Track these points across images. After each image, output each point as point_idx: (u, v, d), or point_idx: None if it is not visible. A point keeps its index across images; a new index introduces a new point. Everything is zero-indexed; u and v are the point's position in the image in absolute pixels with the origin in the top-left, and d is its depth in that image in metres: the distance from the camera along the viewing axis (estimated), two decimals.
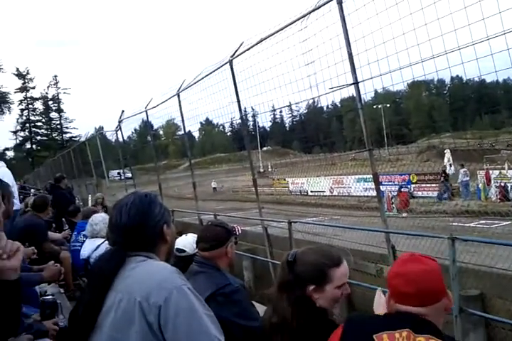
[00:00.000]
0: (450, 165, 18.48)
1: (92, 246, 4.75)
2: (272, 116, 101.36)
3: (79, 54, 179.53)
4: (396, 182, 21.82)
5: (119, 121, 13.83)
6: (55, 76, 79.82)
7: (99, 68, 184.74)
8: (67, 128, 78.91)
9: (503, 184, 16.78)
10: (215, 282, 2.34)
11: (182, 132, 11.78)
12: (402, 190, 17.07)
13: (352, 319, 1.64)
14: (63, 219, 8.23)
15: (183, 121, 10.40)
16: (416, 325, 1.39)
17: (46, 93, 77.42)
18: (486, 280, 6.05)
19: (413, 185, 21.25)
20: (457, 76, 66.63)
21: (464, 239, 4.00)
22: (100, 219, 4.98)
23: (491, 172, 17.55)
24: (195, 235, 3.57)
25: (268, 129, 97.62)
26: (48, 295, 2.98)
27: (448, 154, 18.30)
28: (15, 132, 74.61)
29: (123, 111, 13.47)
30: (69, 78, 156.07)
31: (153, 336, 1.49)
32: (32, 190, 19.87)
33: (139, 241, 1.68)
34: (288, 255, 1.96)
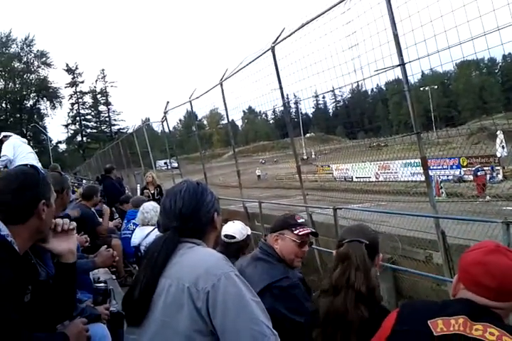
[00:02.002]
0: (503, 147, 17.62)
1: (143, 234, 4.92)
2: (315, 102, 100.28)
3: (125, 48, 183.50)
4: (445, 166, 21.11)
5: (165, 112, 14.05)
6: (103, 70, 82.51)
7: (144, 61, 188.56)
8: (115, 120, 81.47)
9: None
10: (273, 273, 2.34)
11: (225, 121, 11.84)
12: (479, 173, 16.26)
13: (407, 304, 1.65)
14: (113, 208, 8.55)
15: (226, 110, 10.42)
16: (474, 312, 1.36)
17: (94, 87, 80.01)
18: None
19: (463, 169, 20.49)
20: (510, 54, 63.16)
21: None
22: (151, 208, 5.12)
23: None
24: (242, 222, 3.64)
25: (311, 116, 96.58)
26: (100, 282, 3.11)
27: (500, 136, 17.45)
28: (66, 126, 77.71)
29: (168, 102, 13.68)
30: (116, 71, 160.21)
31: (202, 321, 1.52)
32: (84, 181, 20.67)
33: (192, 227, 1.73)
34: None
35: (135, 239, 5.22)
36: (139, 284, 1.64)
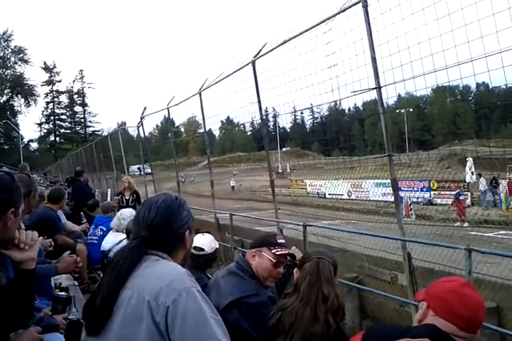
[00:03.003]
0: (472, 173, 18.13)
1: (115, 240, 4.83)
2: (293, 117, 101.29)
3: (105, 50, 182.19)
4: (416, 189, 21.57)
5: (141, 118, 13.97)
6: (81, 70, 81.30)
7: (123, 65, 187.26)
8: (90, 122, 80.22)
9: None
10: (244, 289, 2.34)
11: (202, 130, 11.84)
12: (461, 198, 16.55)
13: (373, 327, 1.73)
14: (82, 212, 8.37)
15: (203, 119, 10.46)
16: (438, 337, 1.42)
17: (71, 87, 78.80)
18: (503, 292, 5.94)
19: (433, 192, 20.97)
20: (483, 83, 65.45)
21: (481, 252, 3.92)
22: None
23: None
24: (211, 235, 3.62)
25: (288, 130, 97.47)
26: (62, 290, 3.03)
27: (470, 162, 17.96)
28: (39, 124, 76.09)
29: (145, 107, 13.63)
30: (94, 73, 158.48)
31: (160, 336, 1.49)
32: (48, 182, 20.20)
33: (161, 240, 1.70)
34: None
35: (106, 244, 5.13)
36: (101, 292, 1.60)
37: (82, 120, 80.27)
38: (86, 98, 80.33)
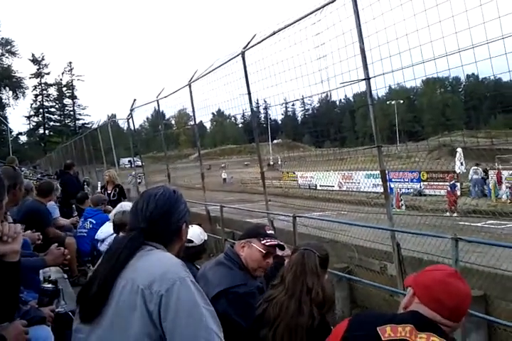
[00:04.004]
0: (461, 163, 18.27)
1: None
2: (284, 109, 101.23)
3: (94, 42, 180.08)
4: (406, 180, 21.72)
5: (131, 110, 13.88)
6: (70, 62, 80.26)
7: (113, 57, 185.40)
8: (80, 114, 79.57)
9: None
10: (232, 279, 2.36)
11: (193, 122, 11.79)
12: (456, 189, 16.74)
13: (360, 313, 1.77)
14: (72, 205, 8.32)
15: (193, 111, 10.40)
16: (422, 324, 1.44)
17: (60, 79, 77.96)
18: (490, 281, 6.03)
19: (423, 183, 21.13)
20: (473, 74, 65.64)
21: (468, 240, 3.98)
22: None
23: (502, 172, 17.36)
24: (200, 227, 3.63)
25: (280, 122, 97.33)
26: (50, 282, 3.01)
27: (459, 153, 18.10)
28: (28, 117, 75.31)
29: (135, 99, 13.52)
30: (83, 65, 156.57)
31: (153, 325, 1.50)
32: (38, 175, 20.05)
33: (159, 232, 1.72)
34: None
35: (101, 233, 5.13)
36: (97, 280, 1.61)
37: (72, 113, 79.54)
38: (75, 90, 79.61)
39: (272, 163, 36.22)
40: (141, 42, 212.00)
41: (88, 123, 66.92)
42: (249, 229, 2.66)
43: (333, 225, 8.52)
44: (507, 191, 16.73)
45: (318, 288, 2.09)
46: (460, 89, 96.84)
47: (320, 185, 24.85)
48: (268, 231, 2.57)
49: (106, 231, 5.02)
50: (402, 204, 16.71)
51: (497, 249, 5.86)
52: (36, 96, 75.61)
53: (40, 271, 3.41)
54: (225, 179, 40.43)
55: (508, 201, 16.19)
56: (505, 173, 17.24)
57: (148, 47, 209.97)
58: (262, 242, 2.48)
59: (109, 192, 8.55)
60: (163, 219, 1.73)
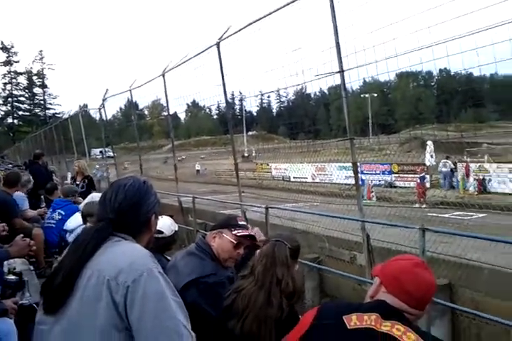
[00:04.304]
0: (431, 156, 18.69)
1: (80, 221, 4.72)
2: (260, 101, 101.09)
3: (66, 30, 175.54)
4: (378, 172, 22.09)
5: (103, 100, 13.64)
6: (41, 51, 77.85)
7: (85, 45, 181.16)
8: (50, 104, 77.39)
9: (481, 177, 17.07)
10: (202, 269, 2.35)
11: (167, 113, 11.66)
12: (425, 181, 17.09)
13: (327, 303, 1.79)
14: (41, 196, 8.15)
15: (167, 102, 10.33)
16: (388, 312, 1.47)
17: (31, 68, 75.57)
18: (455, 270, 6.21)
19: (394, 175, 21.52)
20: (445, 69, 66.91)
21: (434, 231, 4.09)
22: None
23: (470, 165, 17.82)
24: (171, 218, 3.61)
25: (255, 114, 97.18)
26: (15, 274, 2.95)
27: (430, 146, 18.51)
28: None
29: (107, 89, 13.28)
30: (54, 54, 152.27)
31: (119, 316, 1.49)
32: (8, 166, 19.52)
33: (128, 223, 1.70)
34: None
35: (70, 224, 5.03)
36: (63, 270, 1.58)
37: (42, 102, 77.38)
38: (46, 79, 77.30)
39: (246, 154, 36.21)
40: (114, 31, 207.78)
41: (59, 113, 65.08)
42: (221, 220, 2.67)
43: (306, 216, 8.62)
44: (474, 183, 17.20)
45: (288, 279, 2.10)
46: (433, 84, 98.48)
47: (293, 177, 25.05)
48: (240, 222, 2.59)
49: (75, 221, 4.92)
50: (373, 196, 17.01)
51: (463, 239, 6.04)
52: (5, 84, 73.15)
53: (5, 263, 3.33)
54: (198, 170, 40.22)
55: (475, 193, 16.65)
56: (473, 166, 17.69)
57: (122, 36, 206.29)
58: (233, 233, 2.49)
59: (78, 183, 8.37)
60: (132, 210, 1.71)
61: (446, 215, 11.47)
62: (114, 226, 1.67)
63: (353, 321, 1.46)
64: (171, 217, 3.64)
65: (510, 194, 13.10)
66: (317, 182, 22.06)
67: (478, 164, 17.79)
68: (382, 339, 1.39)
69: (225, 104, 8.64)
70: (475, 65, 4.73)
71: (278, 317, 2.02)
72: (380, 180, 21.33)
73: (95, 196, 4.93)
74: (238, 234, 2.50)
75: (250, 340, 2.00)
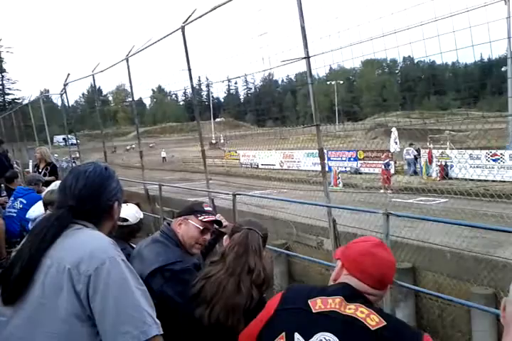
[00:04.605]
0: (396, 143, 19.08)
1: (43, 210, 4.59)
2: (227, 87, 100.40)
3: (24, 12, 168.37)
4: (344, 158, 22.43)
5: (65, 85, 13.19)
6: None
7: (46, 28, 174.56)
8: (9, 89, 74.39)
9: (444, 163, 17.56)
10: (168, 256, 2.32)
11: (131, 99, 11.41)
12: (389, 167, 17.40)
13: (292, 286, 1.80)
14: (2, 185, 7.87)
15: (131, 87, 10.09)
16: (351, 295, 1.49)
17: None
18: (418, 254, 6.41)
19: (359, 162, 21.90)
20: (409, 56, 67.95)
21: (397, 215, 4.19)
22: None
23: (433, 151, 18.28)
24: (136, 206, 3.54)
25: (222, 100, 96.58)
26: None
27: (395, 132, 18.87)
28: None
29: (69, 74, 12.82)
30: (13, 37, 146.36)
31: (80, 305, 1.46)
32: None
33: (88, 210, 1.65)
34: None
35: (33, 212, 4.87)
36: (21, 259, 1.53)
37: (0, 87, 74.53)
38: (4, 63, 74.25)
39: (214, 141, 36.05)
40: (76, 13, 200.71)
41: (19, 99, 62.73)
42: (187, 206, 2.64)
43: (273, 203, 8.69)
44: (437, 169, 17.67)
45: (259, 268, 2.10)
46: (397, 71, 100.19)
47: (262, 164, 25.20)
48: (206, 208, 2.57)
49: (38, 210, 4.78)
50: (339, 182, 17.28)
51: (425, 224, 6.23)
52: None
53: None
54: (164, 158, 39.75)
55: (438, 179, 17.12)
56: (435, 152, 18.16)
57: (84, 18, 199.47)
58: (199, 218, 2.48)
59: (40, 170, 8.10)
60: (93, 197, 1.66)
61: (410, 200, 11.77)
62: (74, 213, 1.62)
63: (318, 305, 1.48)
64: (137, 205, 3.58)
65: (471, 179, 13.54)
66: (285, 169, 22.26)
67: (441, 150, 18.26)
68: (346, 321, 1.41)
69: (191, 90, 8.51)
70: (437, 52, 4.80)
71: (247, 306, 2.02)
72: (346, 167, 21.67)
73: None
74: (204, 220, 2.48)
75: (218, 328, 1.99)
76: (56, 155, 16.05)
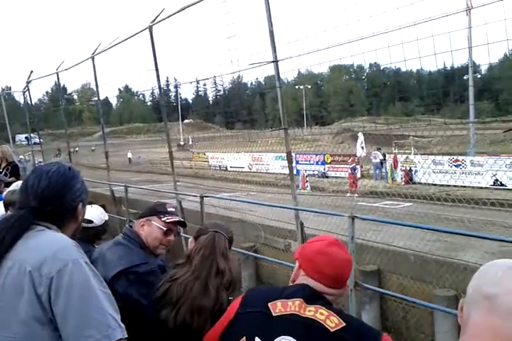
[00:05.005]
0: (362, 147, 19.44)
1: (3, 211, 4.43)
2: (196, 88, 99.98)
3: None
4: (312, 162, 22.68)
5: (27, 82, 12.84)
6: None
7: (6, 23, 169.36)
8: None
9: (408, 168, 17.99)
10: (131, 259, 2.28)
11: (97, 98, 11.20)
12: (356, 171, 17.64)
13: (253, 289, 1.78)
14: None
15: (97, 86, 9.92)
16: (309, 296, 1.48)
17: None
18: (383, 256, 6.53)
19: (327, 166, 22.20)
20: (375, 63, 69.49)
21: (363, 218, 4.26)
22: None
23: (398, 156, 18.71)
24: (101, 207, 3.48)
25: (191, 101, 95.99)
26: None
27: (361, 137, 19.23)
28: None
29: (32, 71, 12.49)
30: None
31: (42, 308, 1.41)
32: None
33: (51, 212, 1.60)
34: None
35: None
36: None
37: None
38: None
39: (182, 143, 35.76)
40: (40, 8, 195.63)
41: None
42: (149, 207, 2.60)
43: (242, 205, 8.68)
44: (401, 174, 18.09)
45: (226, 271, 2.09)
46: (363, 77, 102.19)
47: (230, 166, 25.16)
48: (169, 209, 2.54)
49: (0, 211, 4.62)
50: (307, 186, 17.45)
51: (390, 227, 6.35)
52: None
53: None
54: (130, 159, 39.12)
55: (402, 183, 17.53)
56: (400, 157, 18.60)
57: (49, 13, 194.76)
58: (163, 219, 2.44)
59: (0, 170, 7.77)
60: (56, 198, 1.61)
61: (376, 204, 11.99)
62: (36, 214, 1.58)
63: (278, 308, 1.47)
64: (103, 206, 3.52)
65: (434, 184, 13.92)
66: (254, 172, 22.32)
67: (405, 156, 18.70)
68: (306, 324, 1.41)
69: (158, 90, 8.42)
70: (401, 59, 4.92)
71: (214, 309, 2.00)
72: (314, 170, 21.91)
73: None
74: (168, 221, 2.44)
75: (184, 331, 1.97)
76: (21, 156, 15.54)
